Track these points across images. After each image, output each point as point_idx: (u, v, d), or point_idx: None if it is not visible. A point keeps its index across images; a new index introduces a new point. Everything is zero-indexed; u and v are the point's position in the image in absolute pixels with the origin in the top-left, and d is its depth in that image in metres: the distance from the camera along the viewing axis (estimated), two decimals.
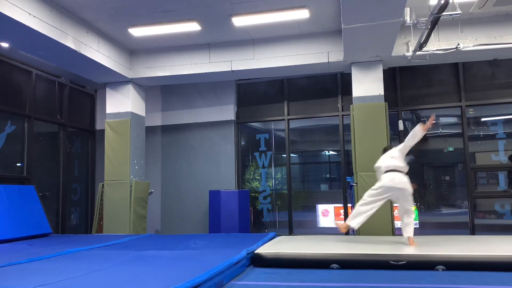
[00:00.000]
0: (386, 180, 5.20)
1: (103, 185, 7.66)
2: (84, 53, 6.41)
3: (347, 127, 7.71)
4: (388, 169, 5.29)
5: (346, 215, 7.81)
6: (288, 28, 6.83)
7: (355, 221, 5.27)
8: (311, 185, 8.62)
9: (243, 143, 8.78)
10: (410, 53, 6.37)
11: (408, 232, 5.22)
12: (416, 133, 5.13)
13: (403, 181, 5.15)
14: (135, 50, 7.69)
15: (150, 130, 8.73)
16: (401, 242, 5.24)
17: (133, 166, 7.63)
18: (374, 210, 5.28)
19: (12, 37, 5.74)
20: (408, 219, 5.27)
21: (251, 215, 8.13)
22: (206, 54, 7.40)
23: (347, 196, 7.76)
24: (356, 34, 5.81)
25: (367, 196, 5.33)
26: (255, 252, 4.64)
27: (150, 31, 6.75)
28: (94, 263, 4.09)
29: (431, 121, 5.11)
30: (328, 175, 8.52)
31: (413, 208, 5.37)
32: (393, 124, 7.54)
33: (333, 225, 7.80)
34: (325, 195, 8.07)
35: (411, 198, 5.24)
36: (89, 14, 6.22)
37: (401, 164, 5.29)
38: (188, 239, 6.04)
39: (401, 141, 7.55)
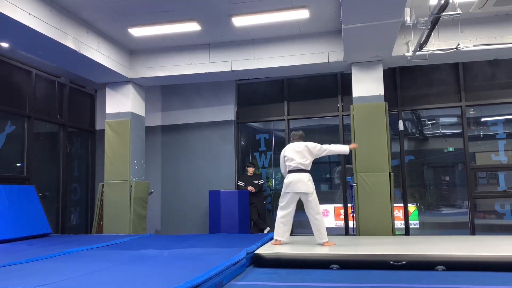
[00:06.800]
0: (291, 186, 5.26)
1: (103, 185, 7.66)
2: (84, 53, 6.40)
3: (347, 127, 7.71)
4: (293, 169, 5.31)
5: (346, 215, 7.80)
6: (288, 28, 6.83)
7: (280, 233, 5.35)
8: None
9: (243, 143, 8.78)
10: (410, 53, 6.37)
11: (321, 237, 5.23)
12: (344, 150, 5.50)
13: (306, 185, 5.22)
14: (135, 50, 7.68)
15: (150, 130, 8.73)
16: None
17: (133, 166, 7.63)
18: (292, 214, 5.42)
19: (12, 37, 5.74)
20: (316, 222, 5.28)
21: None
22: (206, 54, 7.40)
23: (347, 196, 7.76)
24: (356, 34, 5.81)
25: (280, 203, 5.46)
26: (255, 252, 4.64)
27: (150, 31, 6.75)
28: (94, 263, 4.09)
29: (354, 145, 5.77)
30: (328, 175, 8.51)
31: (319, 208, 5.36)
32: (393, 124, 7.54)
33: (333, 225, 7.83)
34: (325, 195, 8.05)
35: (312, 199, 5.28)
36: (89, 14, 6.22)
37: (307, 162, 5.34)
38: (188, 239, 6.04)
39: (401, 141, 7.59)
